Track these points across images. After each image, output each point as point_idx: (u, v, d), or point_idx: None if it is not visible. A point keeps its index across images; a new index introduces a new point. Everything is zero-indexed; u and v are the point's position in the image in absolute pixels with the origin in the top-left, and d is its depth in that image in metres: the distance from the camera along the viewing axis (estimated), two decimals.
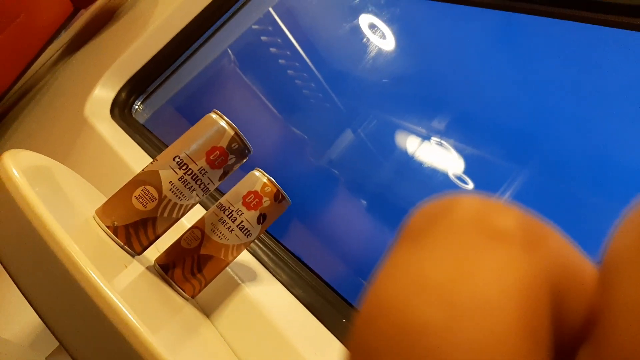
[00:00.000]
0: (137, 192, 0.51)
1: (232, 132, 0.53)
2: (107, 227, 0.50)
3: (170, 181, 0.51)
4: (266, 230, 0.74)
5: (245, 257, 0.74)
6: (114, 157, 0.90)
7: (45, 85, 1.33)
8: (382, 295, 0.11)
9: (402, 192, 1.12)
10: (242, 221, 0.57)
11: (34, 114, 1.25)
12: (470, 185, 1.04)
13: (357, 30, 1.26)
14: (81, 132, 1.00)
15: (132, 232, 0.51)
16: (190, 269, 0.56)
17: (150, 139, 1.04)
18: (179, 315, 0.53)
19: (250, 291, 0.64)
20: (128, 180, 0.53)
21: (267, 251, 0.78)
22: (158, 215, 0.51)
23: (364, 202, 1.16)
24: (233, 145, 0.53)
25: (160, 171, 0.51)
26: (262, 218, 0.58)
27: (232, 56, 1.28)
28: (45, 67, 1.47)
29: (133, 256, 0.52)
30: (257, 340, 0.60)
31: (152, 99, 1.17)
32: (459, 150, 1.06)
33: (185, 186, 0.52)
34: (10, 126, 1.29)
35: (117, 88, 1.10)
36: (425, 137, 1.10)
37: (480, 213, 0.11)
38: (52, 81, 1.32)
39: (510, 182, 0.96)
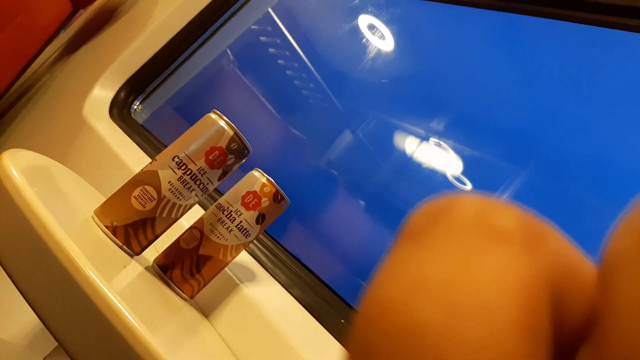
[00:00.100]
0: (136, 192, 0.51)
1: (231, 132, 0.53)
2: (106, 227, 0.50)
3: (170, 181, 0.51)
4: (265, 231, 0.74)
5: (244, 257, 0.74)
6: (112, 157, 0.90)
7: (44, 85, 1.33)
8: (382, 295, 0.11)
9: (401, 193, 1.12)
10: (241, 221, 0.57)
11: (33, 113, 1.25)
12: (469, 186, 1.04)
13: (356, 30, 1.26)
14: (80, 132, 0.99)
15: (131, 232, 0.51)
16: (189, 270, 0.56)
17: (149, 139, 1.04)
18: (178, 315, 0.53)
19: (249, 292, 0.64)
20: (127, 180, 0.53)
21: (266, 251, 0.78)
22: (157, 215, 0.51)
23: (362, 202, 1.16)
24: (232, 145, 0.53)
25: (159, 171, 0.51)
26: (261, 218, 0.58)
27: (231, 56, 1.28)
28: (44, 67, 1.47)
29: (132, 256, 0.52)
30: (255, 340, 0.60)
31: (151, 99, 1.17)
32: (458, 151, 1.06)
33: (184, 186, 0.52)
34: (9, 126, 1.29)
35: (116, 88, 1.10)
36: (424, 138, 1.10)
37: (480, 213, 0.11)
38: (51, 81, 1.32)
39: (509, 183, 0.96)
